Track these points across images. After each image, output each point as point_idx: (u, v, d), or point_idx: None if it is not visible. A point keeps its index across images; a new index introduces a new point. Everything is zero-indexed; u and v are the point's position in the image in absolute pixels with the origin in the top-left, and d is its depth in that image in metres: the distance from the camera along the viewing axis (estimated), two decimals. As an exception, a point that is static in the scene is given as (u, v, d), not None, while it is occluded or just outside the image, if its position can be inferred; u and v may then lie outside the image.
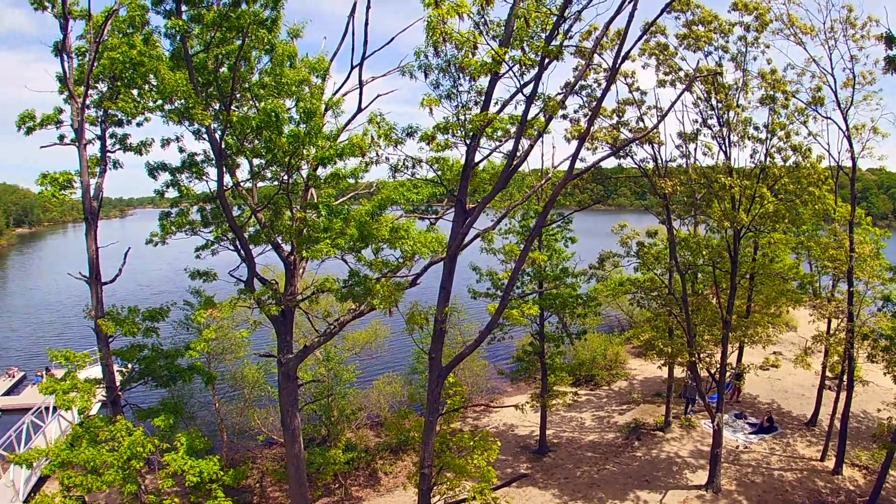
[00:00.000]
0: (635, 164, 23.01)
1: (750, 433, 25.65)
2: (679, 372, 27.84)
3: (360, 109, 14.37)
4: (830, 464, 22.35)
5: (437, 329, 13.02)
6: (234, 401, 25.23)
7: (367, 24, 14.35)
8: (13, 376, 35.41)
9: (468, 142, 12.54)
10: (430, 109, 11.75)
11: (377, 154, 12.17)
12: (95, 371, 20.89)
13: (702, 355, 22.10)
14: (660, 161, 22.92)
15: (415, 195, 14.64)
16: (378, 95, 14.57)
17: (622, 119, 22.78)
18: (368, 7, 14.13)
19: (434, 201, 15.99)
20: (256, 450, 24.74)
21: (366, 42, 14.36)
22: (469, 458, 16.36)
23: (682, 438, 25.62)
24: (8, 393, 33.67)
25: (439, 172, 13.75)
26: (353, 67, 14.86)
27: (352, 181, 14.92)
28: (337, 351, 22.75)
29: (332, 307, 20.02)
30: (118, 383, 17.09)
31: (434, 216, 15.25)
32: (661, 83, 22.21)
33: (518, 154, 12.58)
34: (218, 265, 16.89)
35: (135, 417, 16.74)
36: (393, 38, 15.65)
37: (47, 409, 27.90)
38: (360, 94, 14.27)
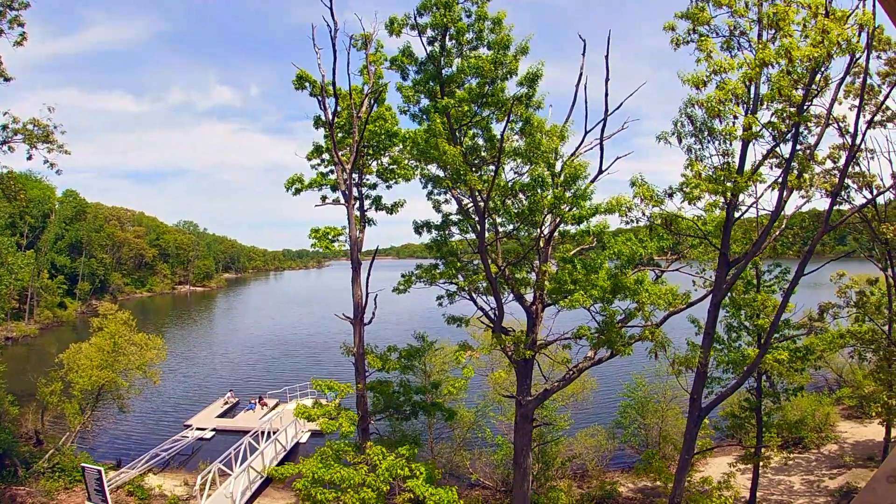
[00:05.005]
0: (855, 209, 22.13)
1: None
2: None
3: (601, 171, 15.50)
4: None
5: (701, 371, 13.56)
6: (445, 440, 26.60)
7: (606, 94, 15.66)
8: (228, 402, 40.14)
9: (728, 199, 13.21)
10: (699, 173, 12.63)
11: (642, 213, 13.19)
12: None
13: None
14: (878, 206, 22.02)
15: (641, 249, 15.45)
16: (617, 158, 15.67)
17: (837, 164, 22.24)
18: (607, 80, 15.46)
19: (658, 255, 16.68)
20: (461, 490, 25.73)
21: (606, 110, 15.67)
22: (709, 500, 16.48)
23: (898, 505, 23.16)
24: (222, 415, 38.17)
25: (677, 228, 14.49)
26: (586, 132, 16.23)
27: (590, 237, 16.06)
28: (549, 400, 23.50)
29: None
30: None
31: (659, 269, 15.94)
32: (871, 125, 21.69)
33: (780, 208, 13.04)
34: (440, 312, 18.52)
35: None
36: (621, 104, 16.89)
37: (263, 433, 31.50)
38: (601, 156, 15.41)
